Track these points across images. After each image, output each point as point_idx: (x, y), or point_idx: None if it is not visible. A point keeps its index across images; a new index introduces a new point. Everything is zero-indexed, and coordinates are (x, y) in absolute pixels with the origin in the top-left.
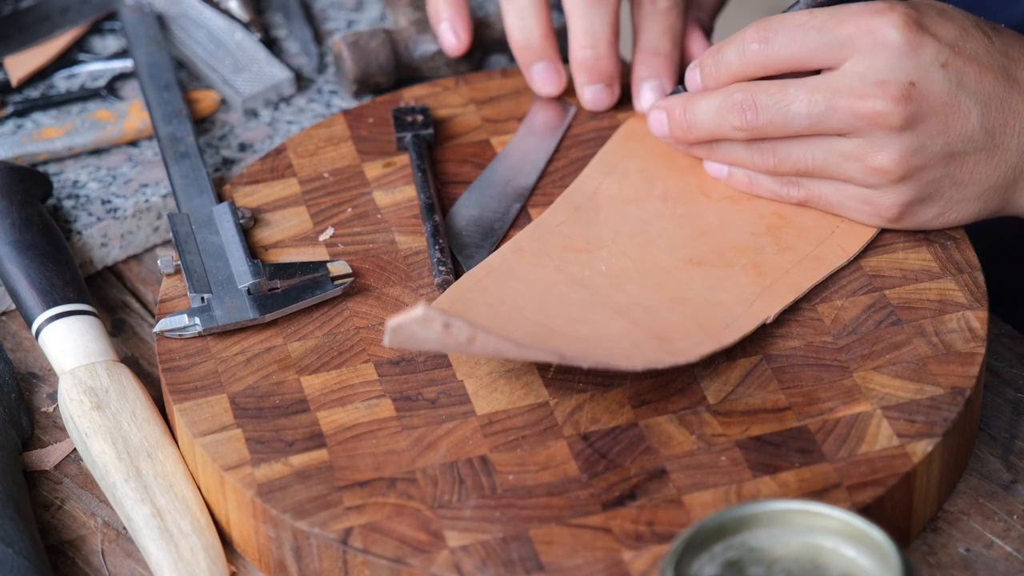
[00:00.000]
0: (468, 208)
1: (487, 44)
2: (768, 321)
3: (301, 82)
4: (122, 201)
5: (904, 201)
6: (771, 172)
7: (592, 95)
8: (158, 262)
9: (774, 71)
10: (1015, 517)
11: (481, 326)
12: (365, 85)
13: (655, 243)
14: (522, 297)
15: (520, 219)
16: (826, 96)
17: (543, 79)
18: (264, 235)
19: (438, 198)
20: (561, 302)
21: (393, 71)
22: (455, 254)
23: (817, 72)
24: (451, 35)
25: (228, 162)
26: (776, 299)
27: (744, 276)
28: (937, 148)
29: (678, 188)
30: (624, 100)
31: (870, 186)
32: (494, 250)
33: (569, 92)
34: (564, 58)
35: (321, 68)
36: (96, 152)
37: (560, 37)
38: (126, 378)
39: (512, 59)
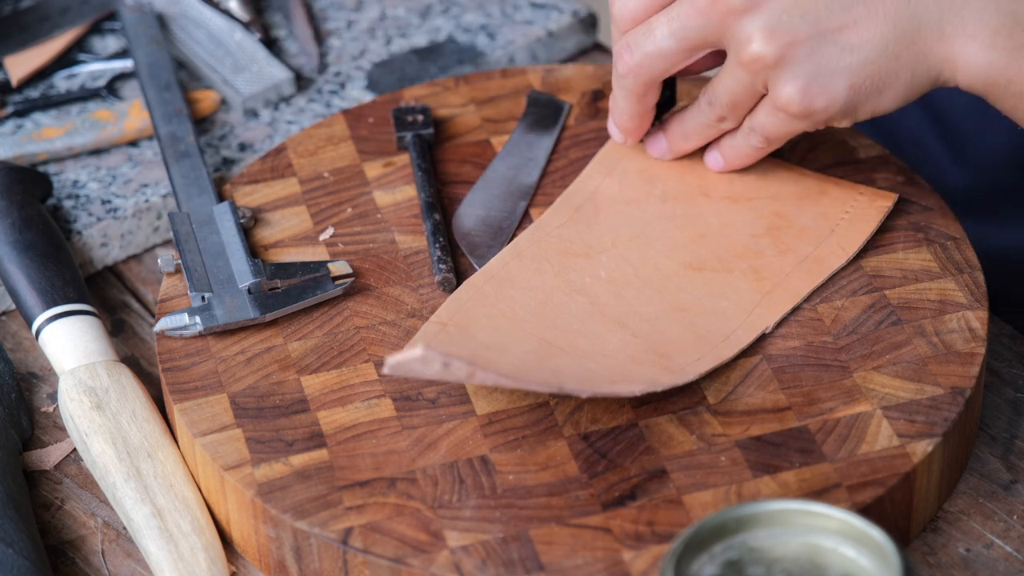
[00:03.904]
0: (475, 208)
1: None
2: (767, 331)
3: (301, 82)
4: (122, 201)
5: (799, 86)
6: (722, 123)
7: (613, 132)
8: (158, 261)
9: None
10: (1015, 517)
11: (480, 363)
12: None
13: (655, 247)
14: (521, 307)
15: (524, 218)
16: (678, 10)
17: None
18: (264, 235)
19: (438, 197)
20: (561, 313)
21: None
22: (467, 254)
23: None
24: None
25: (228, 162)
26: (775, 307)
27: (744, 281)
28: (797, 18)
29: (678, 188)
30: None
31: (766, 88)
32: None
33: (565, 91)
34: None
35: (321, 68)
36: (96, 152)
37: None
38: (126, 378)
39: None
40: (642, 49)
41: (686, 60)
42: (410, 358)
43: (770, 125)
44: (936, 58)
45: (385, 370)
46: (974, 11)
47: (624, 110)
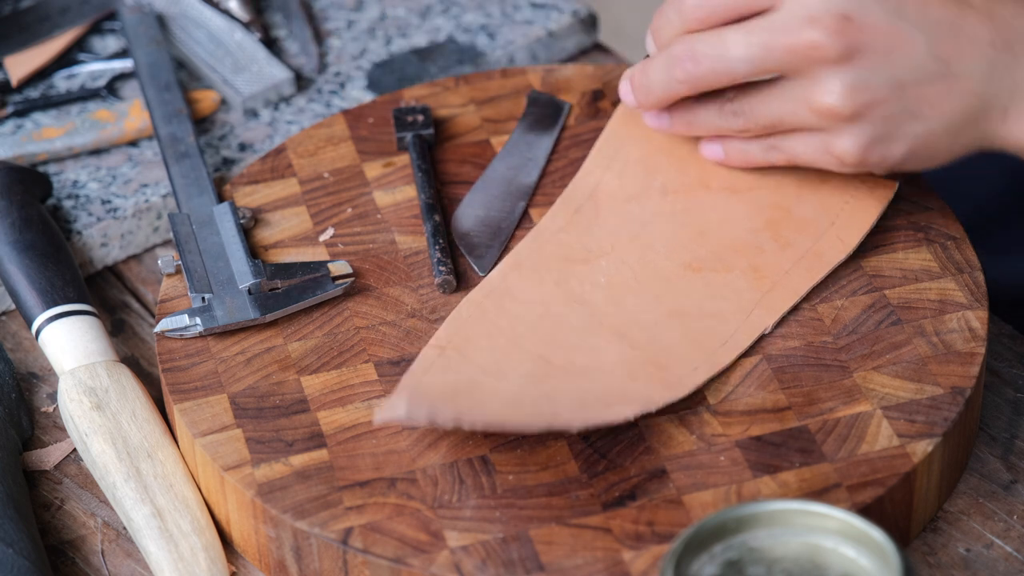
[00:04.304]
0: (474, 208)
1: None
2: (766, 332)
3: (301, 82)
4: (122, 201)
5: (861, 143)
6: (744, 134)
7: (626, 98)
8: (159, 262)
9: (716, 22)
10: (1015, 517)
11: (466, 407)
12: None
13: (654, 247)
14: (521, 322)
15: (523, 219)
16: (762, 36)
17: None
18: (264, 235)
19: (438, 198)
20: (560, 326)
21: None
22: (466, 255)
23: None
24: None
25: (228, 162)
26: (775, 307)
27: (743, 281)
28: (883, 81)
29: (678, 180)
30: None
31: (824, 130)
32: (503, 249)
33: (565, 91)
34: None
35: (321, 68)
36: (96, 152)
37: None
38: (126, 378)
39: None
40: (708, 62)
41: (745, 80)
42: (395, 417)
43: (807, 157)
44: (994, 136)
45: (374, 423)
46: None
47: (657, 98)
